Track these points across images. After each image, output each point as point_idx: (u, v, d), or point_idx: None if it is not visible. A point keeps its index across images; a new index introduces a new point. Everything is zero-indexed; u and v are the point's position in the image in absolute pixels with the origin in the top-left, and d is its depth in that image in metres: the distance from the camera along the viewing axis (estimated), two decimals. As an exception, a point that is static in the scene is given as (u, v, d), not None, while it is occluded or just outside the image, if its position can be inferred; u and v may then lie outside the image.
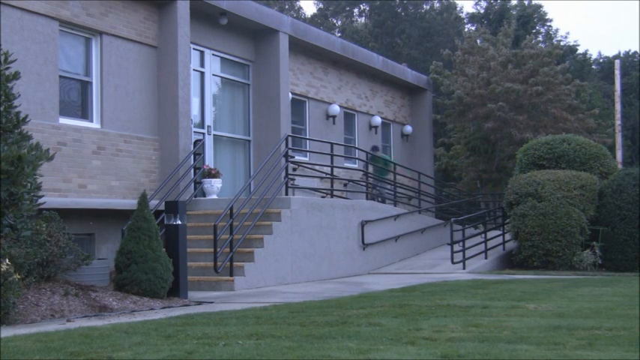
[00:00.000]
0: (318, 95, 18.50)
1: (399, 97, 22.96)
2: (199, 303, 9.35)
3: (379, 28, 36.63)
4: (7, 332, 6.37)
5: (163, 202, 10.98)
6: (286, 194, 13.93)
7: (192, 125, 13.98)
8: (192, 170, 13.32)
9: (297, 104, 17.84)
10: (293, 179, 14.84)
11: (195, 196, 13.44)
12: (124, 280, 9.36)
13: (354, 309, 7.64)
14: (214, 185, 13.71)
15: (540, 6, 37.29)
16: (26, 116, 7.97)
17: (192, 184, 13.42)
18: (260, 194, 12.54)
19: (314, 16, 40.08)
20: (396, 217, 16.89)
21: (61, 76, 11.54)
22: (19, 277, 7.35)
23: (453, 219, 15.57)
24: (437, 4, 38.03)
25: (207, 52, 14.90)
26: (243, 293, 10.68)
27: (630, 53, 40.87)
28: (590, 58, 39.16)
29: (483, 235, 16.50)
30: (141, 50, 13.00)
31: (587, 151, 16.87)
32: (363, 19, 40.32)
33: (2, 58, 7.88)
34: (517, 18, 31.66)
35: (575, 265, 15.32)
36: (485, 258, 15.96)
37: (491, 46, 24.05)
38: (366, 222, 15.21)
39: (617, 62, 26.09)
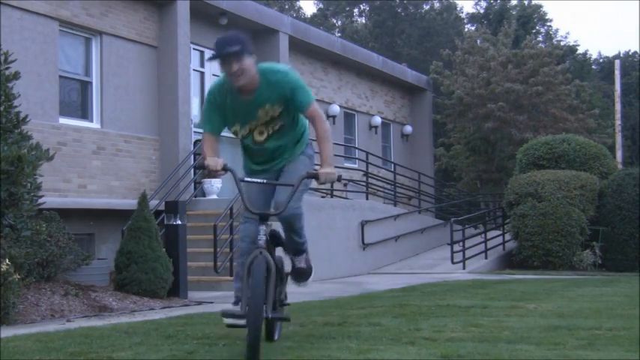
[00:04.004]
0: (318, 95, 18.49)
1: (399, 97, 22.96)
2: (199, 303, 9.35)
3: (379, 28, 36.62)
4: (7, 332, 6.37)
5: (163, 202, 10.97)
6: (286, 194, 13.91)
7: (192, 125, 13.98)
8: (192, 170, 13.32)
9: (297, 104, 17.83)
10: (293, 179, 14.83)
11: (195, 196, 13.44)
12: (124, 280, 9.35)
13: (354, 309, 7.64)
14: (214, 185, 13.70)
15: (540, 6, 37.32)
16: (26, 116, 7.96)
17: (192, 184, 13.42)
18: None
19: (314, 16, 40.07)
20: (396, 217, 16.88)
21: (61, 76, 11.54)
22: (19, 277, 7.35)
23: (452, 219, 15.57)
24: (437, 4, 38.03)
25: (208, 52, 14.90)
26: (243, 293, 10.66)
27: (630, 53, 40.86)
28: (590, 58, 39.17)
29: (483, 235, 16.51)
30: (141, 50, 13.00)
31: (587, 151, 16.88)
32: (363, 19, 40.31)
33: (2, 58, 7.88)
34: (517, 18, 31.66)
35: (575, 265, 15.33)
36: (485, 258, 15.96)
37: (492, 46, 24.05)
38: (366, 222, 15.21)
39: (617, 62, 26.09)
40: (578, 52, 36.77)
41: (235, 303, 4.90)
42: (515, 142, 22.10)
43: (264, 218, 4.67)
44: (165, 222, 10.10)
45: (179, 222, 9.98)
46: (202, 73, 14.83)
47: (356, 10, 40.46)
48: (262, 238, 4.54)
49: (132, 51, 12.80)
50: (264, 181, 4.92)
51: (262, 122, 4.93)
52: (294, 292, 10.52)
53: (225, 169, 4.64)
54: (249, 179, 4.88)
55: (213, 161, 4.66)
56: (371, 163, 17.97)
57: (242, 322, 4.41)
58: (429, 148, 23.63)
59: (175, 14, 13.23)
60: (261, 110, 4.87)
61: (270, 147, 5.06)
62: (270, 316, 4.38)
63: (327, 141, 4.86)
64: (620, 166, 21.51)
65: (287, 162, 5.12)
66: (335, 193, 16.28)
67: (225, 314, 4.54)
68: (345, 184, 18.38)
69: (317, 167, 4.91)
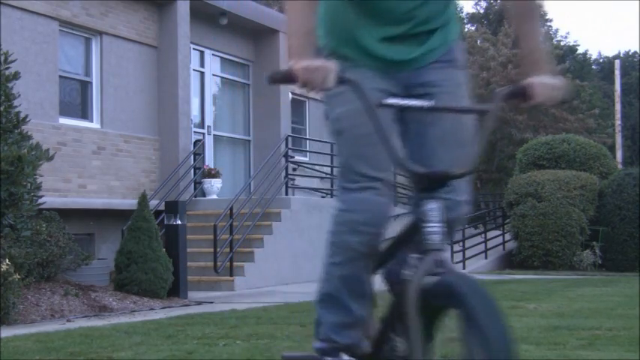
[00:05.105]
0: (318, 95, 18.47)
1: (399, 97, 22.94)
2: (199, 303, 9.34)
3: (379, 28, 36.62)
4: (7, 332, 6.37)
5: (163, 202, 10.98)
6: (286, 194, 13.92)
7: (192, 125, 13.98)
8: (192, 170, 13.32)
9: (297, 104, 17.83)
10: (293, 179, 14.83)
11: (195, 196, 13.44)
12: (124, 280, 9.35)
13: (354, 309, 7.62)
14: (214, 185, 13.70)
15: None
16: (26, 116, 7.97)
17: (192, 184, 13.42)
18: (260, 194, 12.54)
19: (314, 16, 40.05)
20: (396, 217, 16.88)
21: (61, 76, 11.53)
22: (19, 277, 7.35)
23: (453, 219, 15.57)
24: (437, 4, 37.99)
25: (208, 52, 14.89)
26: (243, 293, 10.68)
27: (630, 53, 40.87)
28: (590, 58, 39.18)
29: (483, 235, 16.52)
30: (141, 50, 13.00)
31: (587, 151, 16.89)
32: (363, 19, 40.30)
33: (2, 58, 7.88)
34: (517, 18, 31.65)
35: (575, 265, 15.33)
36: (485, 258, 15.97)
37: (492, 46, 24.07)
38: (366, 222, 15.20)
39: (617, 62, 26.10)
40: (578, 52, 36.79)
41: (327, 352, 2.57)
42: (515, 142, 22.13)
43: (439, 184, 2.17)
44: (166, 222, 10.10)
45: (179, 222, 9.97)
46: (202, 73, 14.83)
47: (356, 10, 40.46)
48: (440, 232, 2.14)
49: (132, 51, 12.80)
50: (427, 104, 2.39)
51: None
52: (294, 292, 10.52)
53: (342, 80, 2.28)
54: (394, 101, 2.34)
55: (312, 61, 2.26)
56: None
57: None
58: (429, 148, 23.60)
59: (175, 14, 13.23)
60: None
61: None
62: None
63: (538, 15, 2.58)
64: (620, 166, 21.52)
65: (437, 75, 2.66)
66: (335, 192, 16.28)
67: None
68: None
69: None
